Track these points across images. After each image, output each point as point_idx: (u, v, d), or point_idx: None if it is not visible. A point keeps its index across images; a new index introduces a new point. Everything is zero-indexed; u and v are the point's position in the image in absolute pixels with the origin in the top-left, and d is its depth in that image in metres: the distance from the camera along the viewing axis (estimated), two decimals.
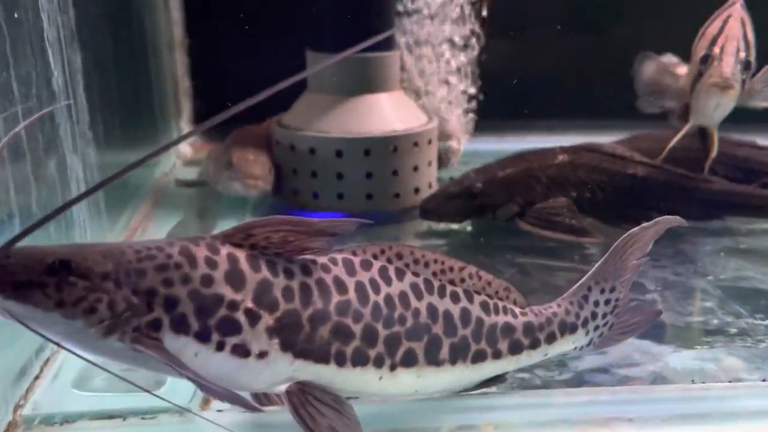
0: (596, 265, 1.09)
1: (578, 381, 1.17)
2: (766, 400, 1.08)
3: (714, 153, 1.76)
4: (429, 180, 2.01)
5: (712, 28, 1.68)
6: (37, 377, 1.12)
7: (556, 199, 1.76)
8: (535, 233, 1.76)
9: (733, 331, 1.31)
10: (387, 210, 1.94)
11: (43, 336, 0.82)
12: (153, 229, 1.77)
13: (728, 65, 1.60)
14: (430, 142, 2.00)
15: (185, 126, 2.49)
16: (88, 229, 1.40)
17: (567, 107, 2.36)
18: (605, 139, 1.94)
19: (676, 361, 1.21)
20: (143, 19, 2.12)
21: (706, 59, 1.64)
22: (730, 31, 1.63)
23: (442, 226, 1.89)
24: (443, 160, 2.18)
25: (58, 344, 0.84)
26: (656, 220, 1.09)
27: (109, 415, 1.04)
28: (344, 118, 1.95)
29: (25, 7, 1.16)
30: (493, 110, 2.28)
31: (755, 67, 1.69)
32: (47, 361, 1.16)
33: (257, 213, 1.93)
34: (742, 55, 1.63)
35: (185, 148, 2.39)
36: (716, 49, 1.62)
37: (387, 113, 1.98)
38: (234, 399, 0.85)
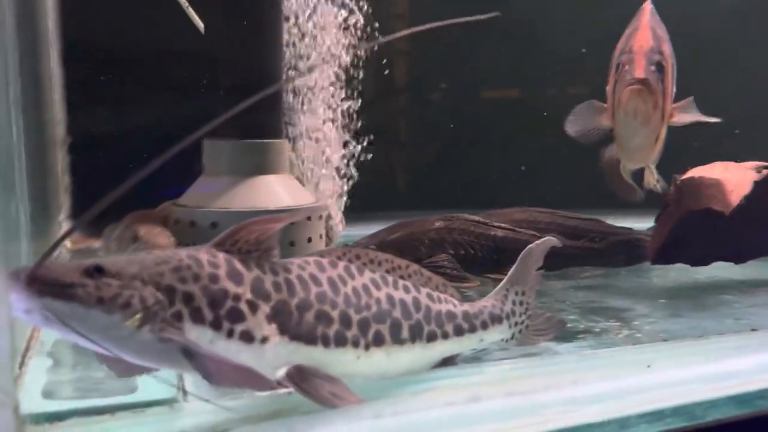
0: (509, 273, 1.36)
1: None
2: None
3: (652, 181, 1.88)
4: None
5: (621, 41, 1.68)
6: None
7: (438, 255, 2.08)
8: None
9: (597, 330, 1.67)
10: None
11: (83, 336, 0.91)
12: None
13: (641, 67, 1.51)
14: (320, 217, 2.25)
15: (64, 219, 2.52)
16: None
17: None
18: None
19: (561, 348, 1.52)
20: (44, 115, 2.20)
21: (618, 67, 1.62)
22: (637, 41, 1.57)
23: None
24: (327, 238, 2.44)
25: (94, 344, 0.93)
26: (543, 239, 1.39)
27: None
28: (242, 196, 2.16)
29: None
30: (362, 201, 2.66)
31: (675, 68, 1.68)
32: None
33: None
34: (657, 57, 1.58)
35: (67, 243, 2.43)
36: (625, 57, 1.56)
37: (281, 192, 2.22)
38: (250, 374, 0.96)
